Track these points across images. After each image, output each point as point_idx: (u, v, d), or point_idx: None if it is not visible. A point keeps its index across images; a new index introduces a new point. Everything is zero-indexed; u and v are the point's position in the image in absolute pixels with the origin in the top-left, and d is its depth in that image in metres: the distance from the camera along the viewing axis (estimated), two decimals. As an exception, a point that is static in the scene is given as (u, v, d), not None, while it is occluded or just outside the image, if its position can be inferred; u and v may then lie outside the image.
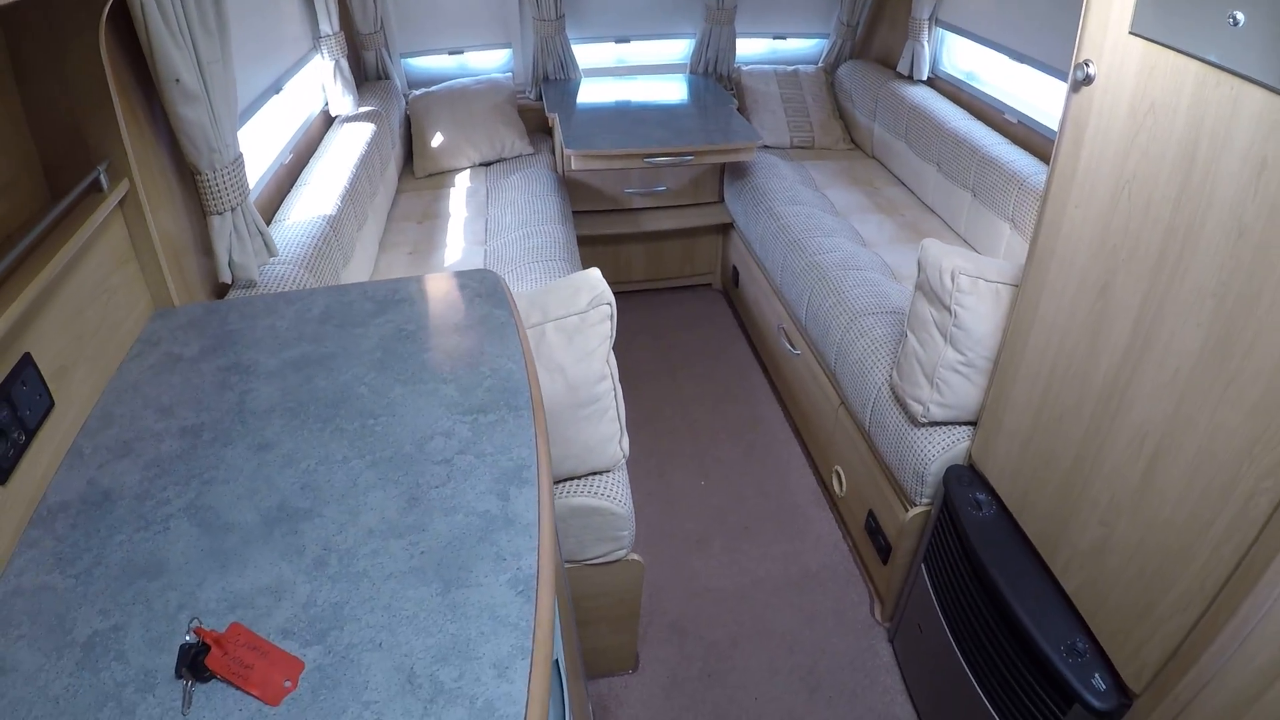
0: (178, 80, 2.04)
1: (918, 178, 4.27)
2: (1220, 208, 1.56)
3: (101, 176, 1.74)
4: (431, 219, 3.96)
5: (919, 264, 2.46)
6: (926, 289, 2.43)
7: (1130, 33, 1.74)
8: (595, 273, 2.19)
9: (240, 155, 2.35)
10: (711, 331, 4.54)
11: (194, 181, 2.23)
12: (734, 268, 4.54)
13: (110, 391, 1.66)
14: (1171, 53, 1.64)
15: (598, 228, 4.46)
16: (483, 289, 1.92)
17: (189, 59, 2.07)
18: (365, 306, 1.88)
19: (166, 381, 1.68)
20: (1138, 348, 1.80)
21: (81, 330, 1.63)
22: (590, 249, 4.38)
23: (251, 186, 2.84)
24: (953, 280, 2.32)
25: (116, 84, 1.79)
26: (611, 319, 2.15)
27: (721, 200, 4.61)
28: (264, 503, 1.36)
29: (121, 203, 1.83)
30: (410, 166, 4.52)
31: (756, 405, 3.96)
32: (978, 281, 2.31)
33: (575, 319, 2.12)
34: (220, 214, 2.28)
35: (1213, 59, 1.55)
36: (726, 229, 4.60)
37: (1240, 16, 1.48)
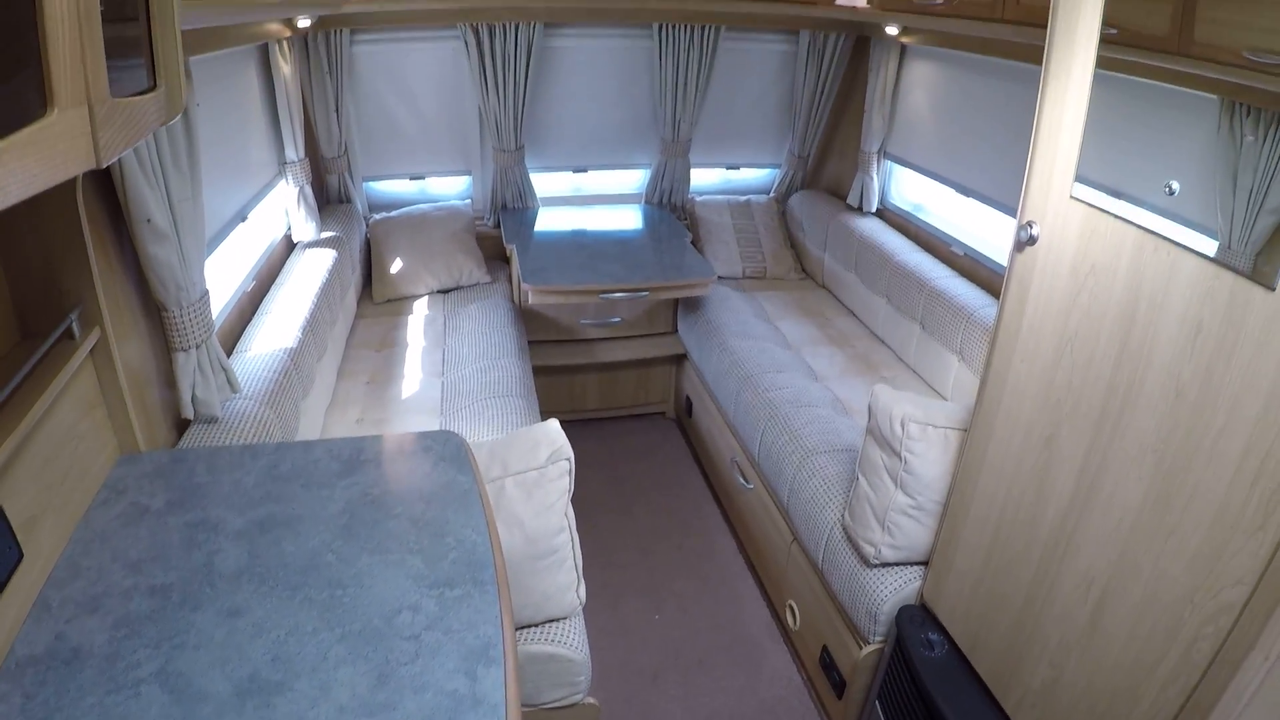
0: (149, 220, 2.08)
1: (868, 309, 4.39)
2: (1159, 368, 1.64)
3: (74, 325, 1.76)
4: (390, 347, 4.00)
5: (869, 409, 2.53)
6: (877, 434, 2.49)
7: (1072, 197, 1.84)
8: (554, 425, 2.24)
9: (206, 292, 2.38)
10: (665, 462, 4.55)
11: (160, 317, 2.25)
12: (688, 398, 4.59)
13: (77, 541, 1.64)
14: (1111, 218, 1.74)
15: (553, 358, 4.51)
16: (446, 452, 1.95)
17: (161, 198, 2.12)
18: (331, 466, 1.89)
19: (134, 534, 1.67)
20: (1082, 497, 1.87)
21: (50, 479, 1.63)
22: (546, 378, 4.43)
23: (215, 315, 2.87)
24: (902, 427, 2.39)
25: (92, 231, 1.83)
26: (570, 474, 2.21)
27: (675, 331, 4.69)
28: (236, 673, 1.35)
29: (92, 350, 1.84)
30: (369, 290, 4.56)
31: (710, 536, 3.96)
32: (926, 428, 2.38)
33: (535, 474, 2.16)
34: (185, 351, 2.30)
35: (1150, 226, 1.65)
36: (680, 359, 4.67)
37: (1175, 186, 1.58)
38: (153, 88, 1.34)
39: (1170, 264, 1.61)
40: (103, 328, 1.85)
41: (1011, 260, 2.06)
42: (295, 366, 2.95)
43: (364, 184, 4.85)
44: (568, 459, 2.19)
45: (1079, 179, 1.84)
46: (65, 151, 0.94)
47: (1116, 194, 1.82)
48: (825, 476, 2.97)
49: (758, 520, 3.58)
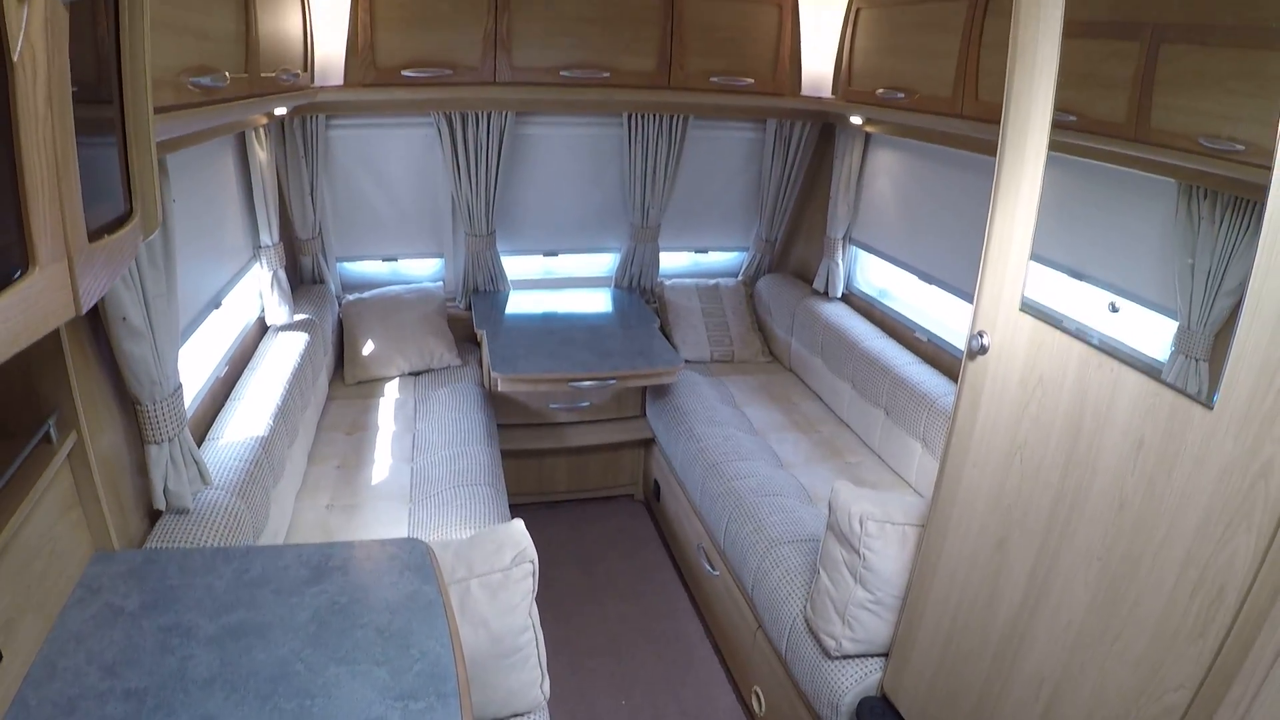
0: (124, 318, 2.12)
1: (834, 394, 4.46)
2: (1103, 479, 1.72)
3: (51, 430, 1.79)
4: (360, 430, 4.03)
5: (830, 506, 2.58)
6: (837, 531, 2.55)
7: (1021, 310, 1.92)
8: (519, 526, 2.29)
9: (179, 386, 2.42)
10: (633, 545, 4.56)
11: (134, 409, 2.29)
12: (655, 481, 4.64)
13: (53, 640, 1.66)
14: (1058, 332, 1.82)
15: (523, 442, 4.54)
16: (411, 561, 1.98)
17: (136, 297, 2.16)
18: (300, 572, 1.92)
19: (108, 636, 1.68)
20: (1033, 600, 1.93)
21: (28, 580, 1.65)
22: (515, 461, 4.46)
23: (188, 403, 2.89)
24: (861, 525, 2.45)
25: (69, 331, 1.87)
26: (534, 575, 2.25)
27: (644, 415, 4.74)
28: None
29: (69, 454, 1.87)
30: (341, 372, 4.60)
31: (678, 620, 3.96)
32: (885, 525, 2.44)
33: (499, 575, 2.20)
34: (158, 444, 2.34)
35: (1094, 342, 1.73)
36: (649, 443, 4.71)
37: (1118, 305, 1.67)
38: (129, 212, 1.40)
39: (1114, 380, 1.69)
40: (79, 432, 1.88)
41: (964, 368, 2.14)
42: (266, 455, 2.98)
43: (338, 264, 4.91)
44: (531, 561, 2.23)
45: (1035, 257, 1.92)
46: (46, 306, 0.97)
47: (1077, 275, 1.91)
48: (789, 567, 3.02)
49: (724, 607, 3.60)
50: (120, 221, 1.33)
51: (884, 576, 2.47)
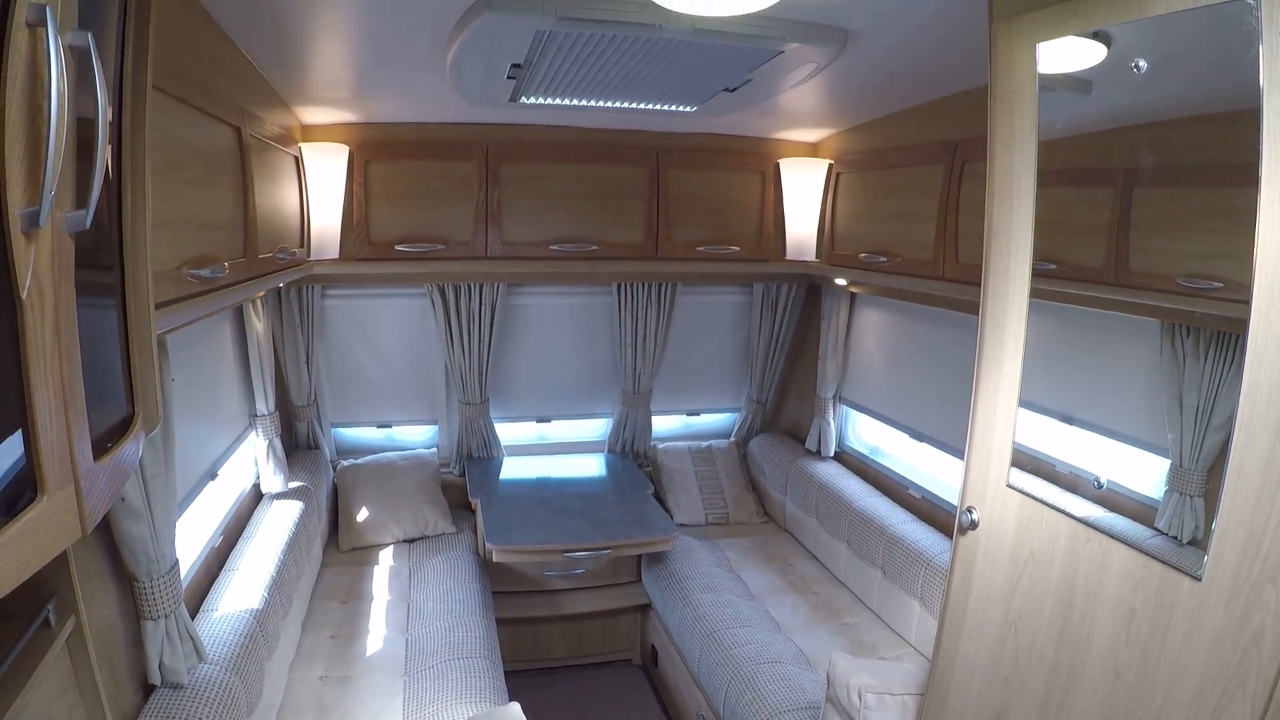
0: (123, 499, 2.16)
1: (829, 554, 4.45)
2: (1098, 649, 1.72)
3: (51, 614, 1.80)
4: (355, 599, 3.99)
5: (828, 678, 2.57)
6: (836, 703, 2.53)
7: (1008, 485, 1.96)
8: (515, 711, 2.27)
9: (176, 562, 2.44)
10: (632, 711, 4.45)
11: (130, 585, 2.31)
12: (653, 647, 4.57)
13: None
14: (1046, 508, 1.86)
15: (518, 609, 4.50)
16: None
17: (134, 477, 2.19)
18: None
19: None
20: (1035, 775, 1.90)
21: (26, 765, 1.64)
22: (511, 629, 4.41)
23: (182, 576, 2.89)
24: (860, 698, 2.43)
25: None
26: None
27: (639, 580, 4.71)
28: None
29: (68, 638, 1.87)
30: (335, 538, 4.58)
31: (678, 792, 3.85)
32: (884, 697, 2.42)
33: None
34: (154, 620, 2.34)
35: (1081, 516, 1.76)
36: (645, 608, 4.66)
37: (1104, 480, 1.71)
38: (131, 415, 1.44)
39: (1103, 554, 1.72)
40: (78, 615, 1.89)
41: (955, 543, 2.16)
42: (261, 628, 2.96)
43: (332, 430, 4.96)
44: None
45: (1025, 404, 1.96)
46: (54, 531, 1.00)
47: (1068, 419, 1.94)
48: None
49: (725, 777, 3.52)
50: (124, 426, 1.37)
51: (884, 749, 2.44)
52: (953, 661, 2.19)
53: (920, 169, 3.47)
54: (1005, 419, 1.98)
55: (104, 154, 1.13)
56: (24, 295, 0.91)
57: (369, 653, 3.52)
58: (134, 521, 2.22)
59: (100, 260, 1.36)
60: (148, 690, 2.41)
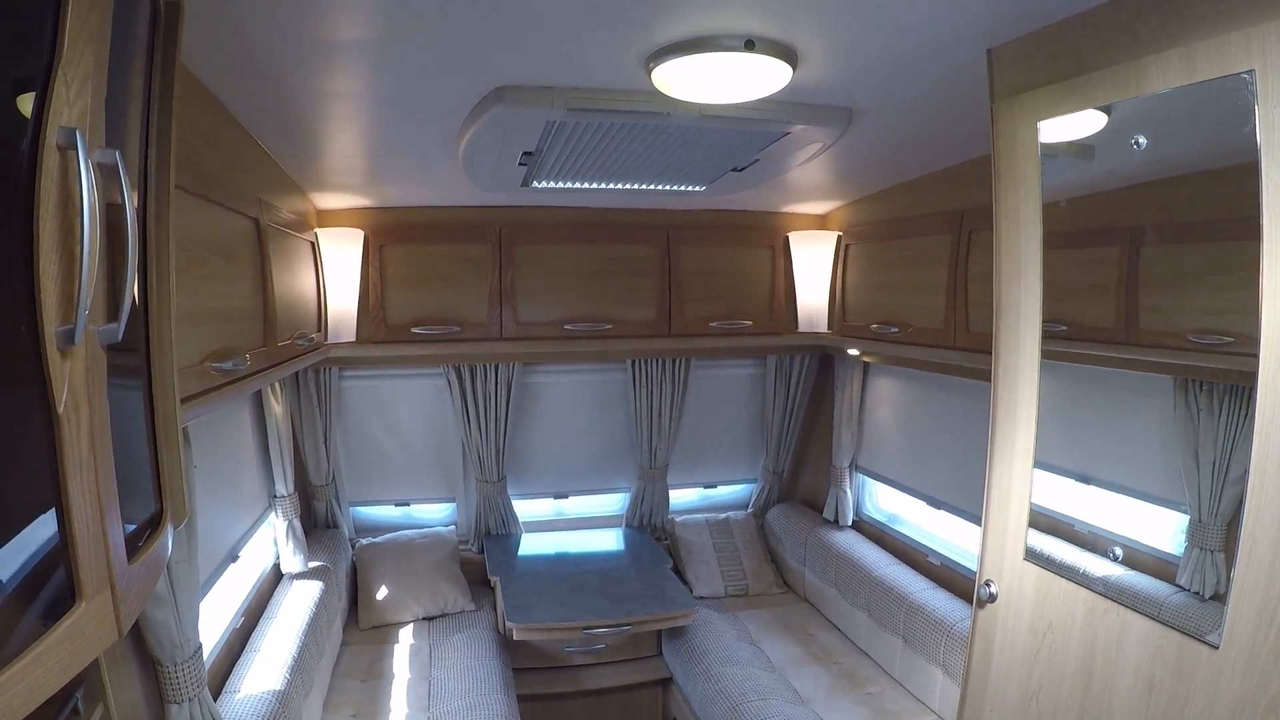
0: None
1: (850, 623, 4.42)
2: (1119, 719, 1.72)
3: (79, 703, 1.81)
4: (375, 678, 3.99)
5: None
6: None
7: (1025, 559, 1.97)
8: None
9: (199, 647, 2.46)
10: (654, 786, 4.41)
11: (155, 670, 2.33)
12: None
13: None
14: (1064, 580, 1.87)
15: (539, 686, 4.47)
16: None
17: None
18: None
19: None
20: None
21: None
22: (532, 705, 4.39)
23: (205, 658, 2.93)
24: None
25: None
26: None
27: (660, 654, 4.68)
28: None
29: (95, 724, 1.88)
30: (355, 616, 4.59)
31: None
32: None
33: None
34: (179, 704, 2.36)
35: (1099, 589, 1.77)
36: (666, 681, 4.63)
37: (1119, 552, 1.72)
38: (160, 511, 1.47)
39: (1121, 624, 1.73)
40: (105, 704, 1.91)
41: (974, 616, 2.17)
42: (283, 709, 2.97)
43: (351, 508, 4.99)
44: None
45: (1042, 465, 1.97)
46: (92, 635, 1.02)
47: (1084, 479, 1.95)
48: None
49: None
50: (153, 522, 1.40)
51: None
52: (977, 735, 2.19)
53: (928, 239, 3.52)
54: (1020, 490, 2.00)
55: (135, 265, 1.16)
56: (60, 410, 0.93)
57: (391, 733, 3.51)
58: (159, 608, 2.25)
59: (128, 364, 1.38)
60: None
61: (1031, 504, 2.00)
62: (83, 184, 0.93)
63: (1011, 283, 2.02)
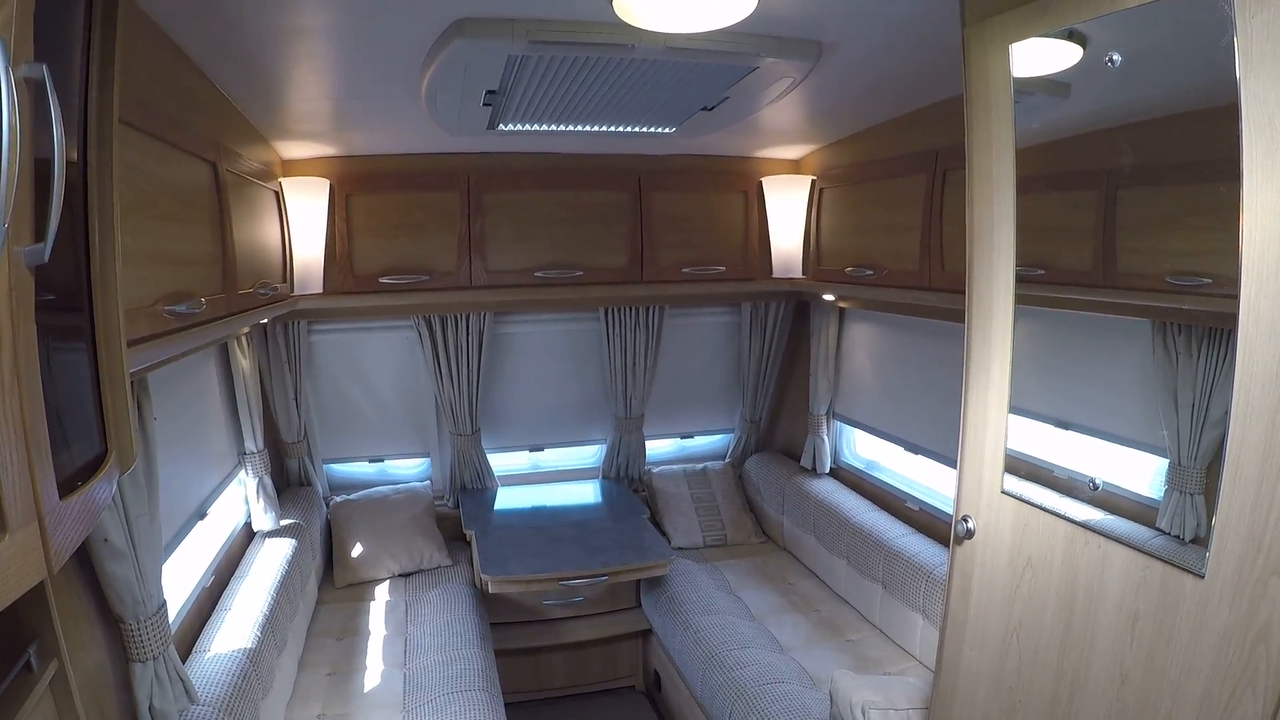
0: (106, 539, 2.16)
1: (829, 571, 4.40)
2: (1102, 654, 1.69)
3: (33, 659, 1.76)
4: (351, 635, 3.95)
5: (830, 696, 2.52)
6: (841, 721, 2.48)
7: (1003, 492, 1.93)
8: None
9: (164, 604, 2.42)
10: (636, 740, 4.40)
11: (118, 627, 2.29)
12: (655, 672, 4.52)
13: None
14: (1042, 513, 1.83)
15: (518, 640, 4.45)
16: None
17: (117, 519, 2.19)
18: None
19: None
20: (1044, 788, 1.86)
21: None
22: (511, 659, 4.36)
23: (173, 616, 2.87)
24: (863, 714, 2.38)
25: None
26: None
27: (639, 606, 4.66)
28: None
29: (50, 681, 1.83)
30: (330, 575, 4.55)
31: (683, 821, 3.78)
32: (889, 713, 2.37)
33: None
34: (142, 662, 2.33)
35: (1078, 519, 1.73)
36: (646, 633, 4.61)
37: (1099, 481, 1.67)
38: (104, 453, 1.43)
39: (1102, 556, 1.68)
40: (60, 660, 1.85)
41: (952, 552, 2.13)
42: (254, 667, 2.93)
43: (324, 466, 4.93)
44: None
45: (1020, 411, 1.93)
46: (18, 571, 0.98)
47: (1063, 424, 1.91)
48: None
49: (731, 805, 3.46)
50: (96, 464, 1.35)
51: (891, 767, 2.39)
52: (955, 673, 2.15)
53: (902, 180, 3.46)
54: (996, 424, 1.95)
55: (61, 185, 1.10)
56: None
57: (366, 689, 3.48)
58: (118, 563, 2.20)
59: (69, 299, 1.35)
60: None
61: (1008, 441, 1.95)
62: (2, 96, 0.89)
63: (984, 214, 1.97)
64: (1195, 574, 1.50)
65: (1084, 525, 1.75)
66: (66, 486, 1.16)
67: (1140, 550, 1.63)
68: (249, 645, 3.01)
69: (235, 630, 3.10)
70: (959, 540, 2.09)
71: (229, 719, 2.59)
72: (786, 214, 4.39)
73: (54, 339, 1.10)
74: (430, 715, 3.20)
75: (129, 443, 1.57)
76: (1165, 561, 1.57)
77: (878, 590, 3.93)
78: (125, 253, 1.60)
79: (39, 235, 1.08)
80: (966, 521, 2.05)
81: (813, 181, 4.30)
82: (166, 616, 2.44)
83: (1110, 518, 1.75)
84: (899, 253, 3.46)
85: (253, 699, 2.83)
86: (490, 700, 3.33)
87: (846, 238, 4.02)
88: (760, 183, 4.44)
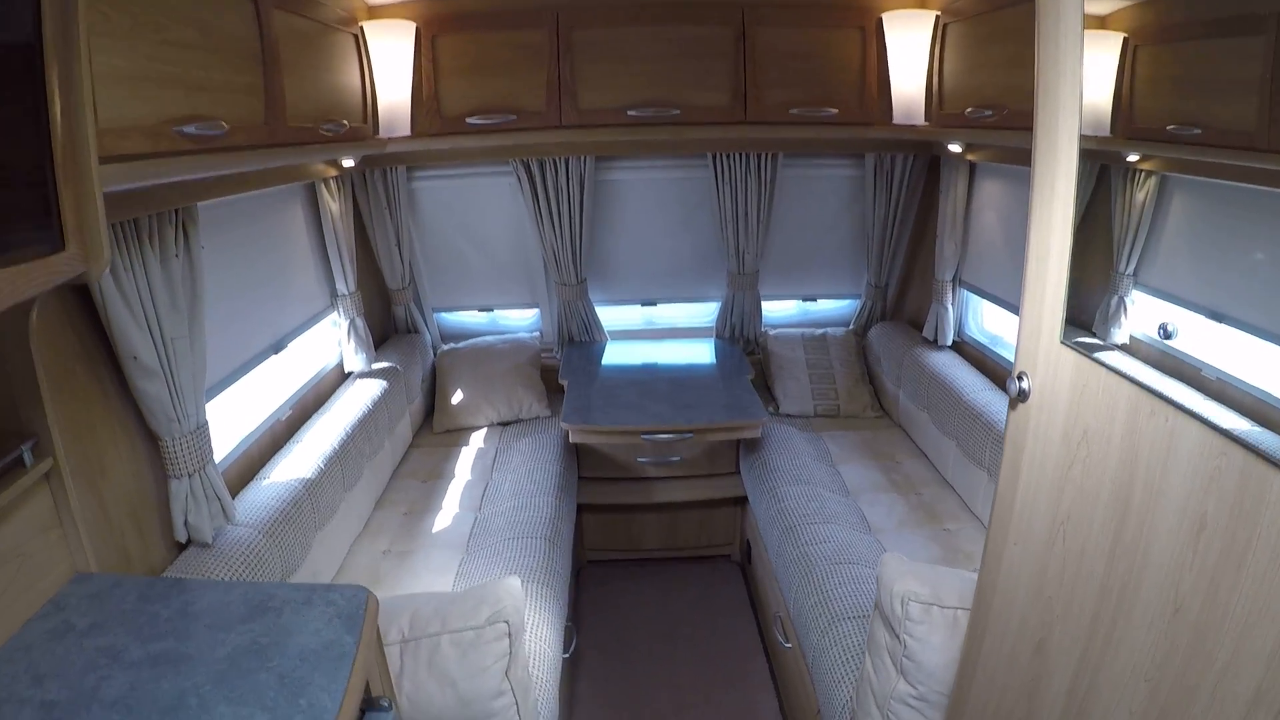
0: (135, 357, 2.19)
1: (939, 452, 4.09)
2: (1156, 571, 1.41)
3: (26, 454, 1.80)
4: (436, 478, 3.97)
5: (878, 580, 2.28)
6: (882, 612, 2.22)
7: (1061, 342, 1.63)
8: (509, 586, 2.18)
9: (204, 424, 2.47)
10: (721, 610, 4.27)
11: (157, 445, 2.38)
12: (748, 542, 4.38)
13: (6, 648, 1.66)
14: (1104, 370, 1.52)
15: (609, 496, 4.36)
16: (344, 610, 1.84)
17: (147, 339, 2.21)
18: (238, 610, 1.83)
19: (51, 650, 1.67)
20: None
21: (-7, 588, 1.68)
22: (601, 516, 4.32)
23: (236, 444, 3.03)
24: (903, 606, 2.12)
25: (47, 374, 1.88)
26: (510, 636, 2.13)
27: (738, 471, 4.48)
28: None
29: (48, 475, 1.88)
30: (430, 421, 4.58)
31: (752, 694, 3.65)
32: (931, 608, 2.10)
33: (471, 634, 2.12)
34: (179, 478, 2.41)
35: (1144, 382, 1.43)
36: (743, 501, 4.43)
37: (1172, 328, 1.38)
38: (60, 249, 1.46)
39: (1169, 433, 1.37)
40: (55, 459, 1.89)
41: (1007, 420, 1.85)
42: (310, 497, 2.97)
43: (436, 315, 4.94)
44: (507, 621, 2.12)
45: (1164, 295, 1.69)
46: None
47: (1216, 315, 1.65)
48: (846, 647, 2.69)
49: (792, 683, 3.32)
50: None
51: (928, 669, 2.14)
52: (997, 572, 1.88)
53: (1025, 6, 3.01)
54: (1058, 258, 1.62)
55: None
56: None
57: (435, 529, 3.51)
58: (149, 381, 2.26)
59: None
60: (181, 547, 2.51)
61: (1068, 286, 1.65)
62: None
63: (1049, 48, 1.66)
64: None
65: (1150, 390, 1.43)
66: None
67: (1216, 430, 1.29)
68: (309, 475, 3.05)
69: (299, 461, 3.14)
70: (1013, 404, 1.80)
71: (268, 541, 2.64)
72: (910, 54, 3.92)
73: None
74: (486, 557, 3.20)
75: (100, 245, 1.55)
76: (1247, 448, 1.23)
77: (983, 478, 3.58)
78: (125, 72, 1.73)
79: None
80: (1021, 380, 1.75)
81: (936, 17, 3.83)
82: (207, 437, 2.50)
83: (1260, 429, 1.40)
84: (1021, 90, 3.04)
85: (303, 527, 2.87)
86: (551, 549, 3.27)
87: (970, 76, 3.54)
88: (880, 18, 3.97)
